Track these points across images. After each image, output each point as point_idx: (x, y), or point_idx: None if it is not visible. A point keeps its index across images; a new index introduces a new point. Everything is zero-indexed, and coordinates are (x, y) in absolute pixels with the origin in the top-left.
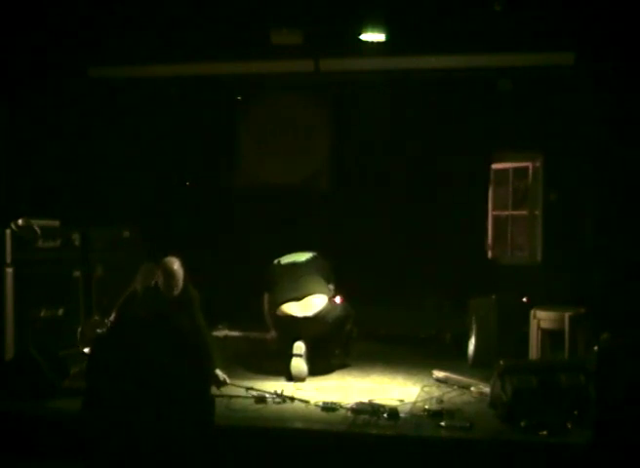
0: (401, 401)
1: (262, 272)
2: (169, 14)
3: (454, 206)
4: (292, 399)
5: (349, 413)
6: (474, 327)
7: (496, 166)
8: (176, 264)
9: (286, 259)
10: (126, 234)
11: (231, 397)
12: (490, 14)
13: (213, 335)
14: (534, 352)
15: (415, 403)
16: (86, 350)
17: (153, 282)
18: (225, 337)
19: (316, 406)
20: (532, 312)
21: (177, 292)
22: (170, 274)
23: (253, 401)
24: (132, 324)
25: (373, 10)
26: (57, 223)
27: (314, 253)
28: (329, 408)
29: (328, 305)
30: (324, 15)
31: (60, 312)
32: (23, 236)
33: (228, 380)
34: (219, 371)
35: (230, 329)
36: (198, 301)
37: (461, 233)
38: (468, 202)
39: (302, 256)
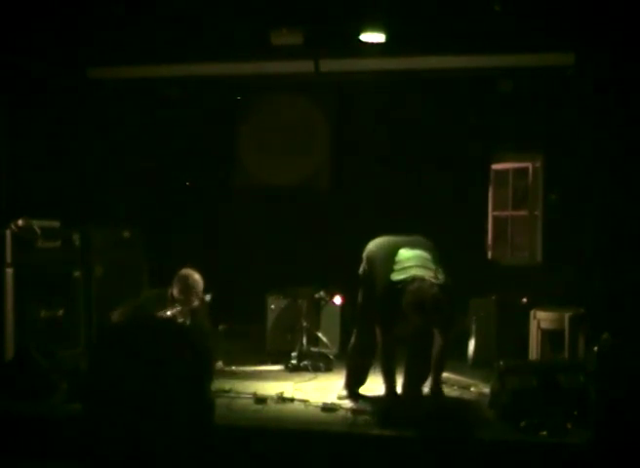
0: None
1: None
2: (168, 14)
3: (454, 206)
4: (291, 400)
5: (349, 414)
6: (474, 327)
7: (496, 166)
8: (197, 275)
9: None
10: (126, 234)
11: (232, 397)
12: (490, 14)
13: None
14: (534, 352)
15: None
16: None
17: (169, 292)
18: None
19: (316, 406)
20: (532, 312)
21: (195, 303)
22: (190, 284)
23: (253, 401)
24: (132, 324)
25: (373, 10)
26: (57, 223)
27: None
28: (329, 408)
29: None
30: (324, 15)
31: (60, 312)
32: (23, 236)
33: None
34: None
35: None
36: (206, 306)
37: (461, 233)
38: (468, 202)
39: None
